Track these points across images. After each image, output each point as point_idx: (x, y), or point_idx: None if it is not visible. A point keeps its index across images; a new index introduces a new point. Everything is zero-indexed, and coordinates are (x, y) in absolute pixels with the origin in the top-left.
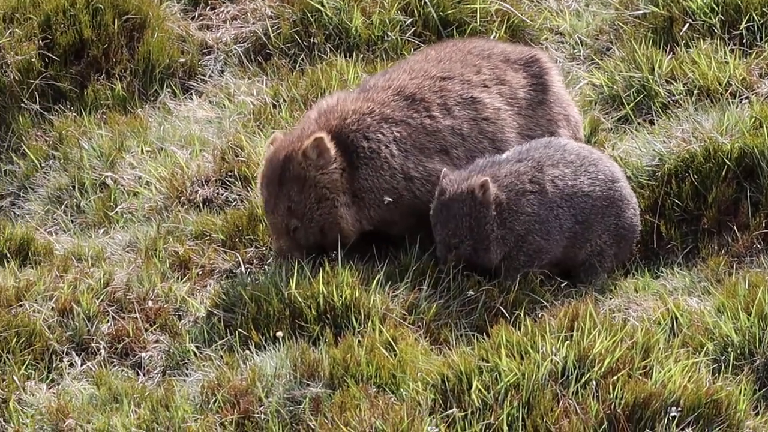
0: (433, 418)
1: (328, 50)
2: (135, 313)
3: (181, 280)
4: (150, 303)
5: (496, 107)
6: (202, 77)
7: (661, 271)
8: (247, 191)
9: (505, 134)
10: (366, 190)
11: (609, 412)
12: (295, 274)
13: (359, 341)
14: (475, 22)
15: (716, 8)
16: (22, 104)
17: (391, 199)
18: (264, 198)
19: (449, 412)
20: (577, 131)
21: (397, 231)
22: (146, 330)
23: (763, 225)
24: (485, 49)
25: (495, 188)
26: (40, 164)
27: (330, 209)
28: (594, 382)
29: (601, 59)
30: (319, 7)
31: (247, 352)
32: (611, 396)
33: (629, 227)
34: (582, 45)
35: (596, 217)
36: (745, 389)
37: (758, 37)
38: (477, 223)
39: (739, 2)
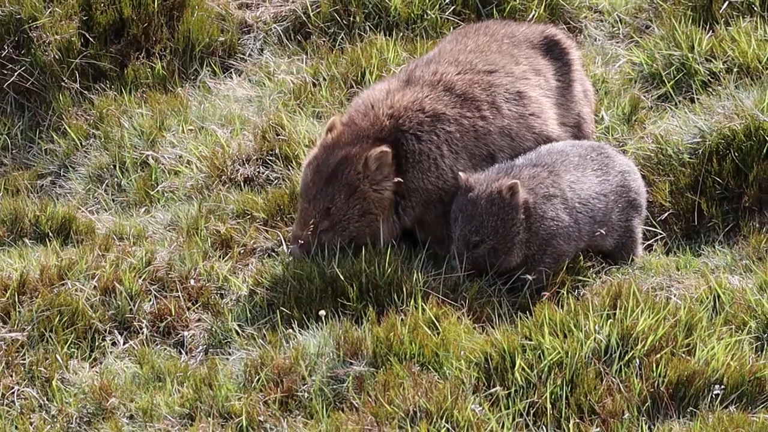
0: (477, 396)
1: (368, 29)
2: (177, 291)
3: (223, 258)
4: (192, 282)
5: (539, 100)
6: (241, 56)
7: (703, 249)
8: (288, 170)
9: (548, 127)
10: (412, 191)
11: (652, 390)
12: (338, 252)
13: (402, 320)
14: (515, 0)
15: None
16: (63, 83)
17: None
18: (306, 180)
19: (493, 390)
20: (592, 105)
21: (428, 229)
22: (188, 309)
23: None
24: (510, 35)
25: (523, 191)
26: (80, 143)
27: (370, 223)
28: (637, 360)
29: (641, 37)
30: None
31: (290, 330)
32: (654, 374)
33: (638, 192)
34: (621, 23)
35: (613, 209)
36: None
37: None
38: (503, 225)
39: None
